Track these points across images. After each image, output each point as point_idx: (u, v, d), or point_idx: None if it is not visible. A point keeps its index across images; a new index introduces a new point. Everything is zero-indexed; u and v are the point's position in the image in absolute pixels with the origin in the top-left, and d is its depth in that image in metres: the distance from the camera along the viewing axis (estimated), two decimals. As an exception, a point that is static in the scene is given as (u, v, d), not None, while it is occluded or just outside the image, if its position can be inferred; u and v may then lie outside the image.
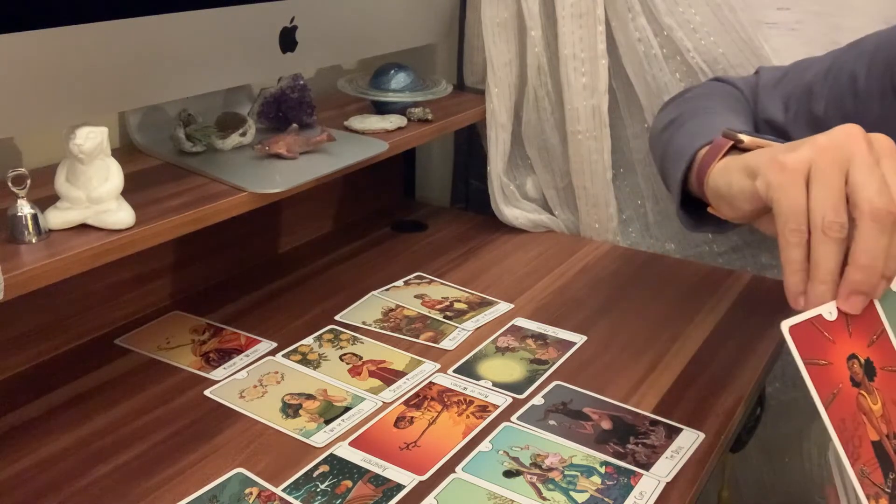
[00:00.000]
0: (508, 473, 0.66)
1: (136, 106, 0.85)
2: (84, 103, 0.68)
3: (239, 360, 0.81)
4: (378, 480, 0.65)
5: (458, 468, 0.66)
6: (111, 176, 0.68)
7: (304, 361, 0.81)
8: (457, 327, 0.88)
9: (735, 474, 1.16)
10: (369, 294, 0.95)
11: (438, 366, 0.81)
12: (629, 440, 0.70)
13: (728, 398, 0.76)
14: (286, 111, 0.93)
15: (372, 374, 0.79)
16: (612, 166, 1.07)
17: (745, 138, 0.66)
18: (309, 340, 0.85)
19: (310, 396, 0.76)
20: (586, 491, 0.64)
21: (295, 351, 0.83)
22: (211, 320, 0.89)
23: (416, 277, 1.00)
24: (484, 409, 0.74)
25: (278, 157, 0.85)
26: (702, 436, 0.71)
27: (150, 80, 0.74)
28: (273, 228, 1.05)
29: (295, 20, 0.86)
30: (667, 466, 0.67)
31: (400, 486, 0.64)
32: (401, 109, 1.03)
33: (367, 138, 0.96)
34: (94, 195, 0.67)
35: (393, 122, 0.99)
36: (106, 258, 0.67)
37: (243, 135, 0.87)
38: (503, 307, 0.93)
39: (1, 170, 0.69)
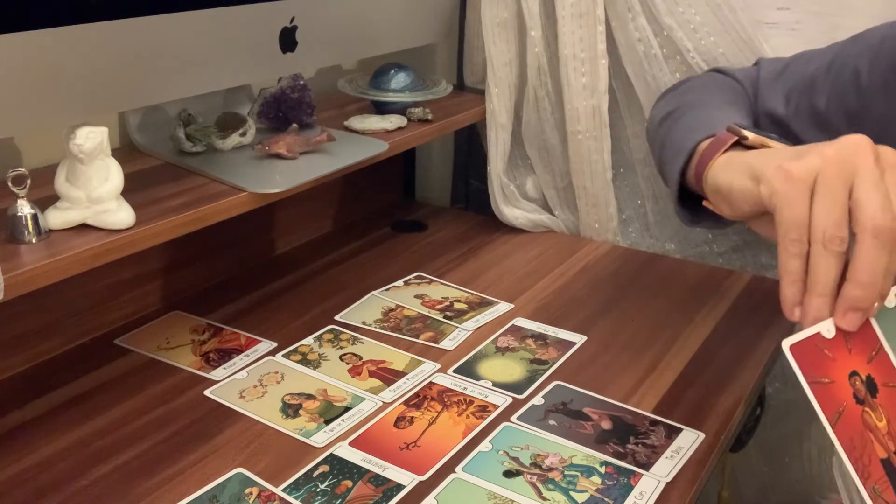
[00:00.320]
0: (508, 473, 0.66)
1: (136, 106, 0.84)
2: (84, 103, 0.68)
3: (239, 360, 0.81)
4: (378, 480, 0.65)
5: (458, 468, 0.66)
6: (111, 176, 0.68)
7: (304, 361, 0.81)
8: (457, 327, 0.88)
9: (735, 474, 1.16)
10: (369, 294, 0.95)
11: (438, 366, 0.81)
12: (629, 440, 0.70)
13: (728, 398, 0.76)
14: (286, 111, 0.93)
15: (372, 374, 0.79)
16: (612, 166, 1.07)
17: (750, 135, 0.65)
18: (309, 340, 0.85)
19: (310, 396, 0.76)
20: (586, 491, 0.64)
21: (295, 351, 0.83)
22: (211, 320, 0.89)
23: (416, 277, 1.00)
24: (484, 409, 0.74)
25: (278, 157, 0.85)
26: (702, 436, 0.71)
27: (150, 80, 0.74)
28: (273, 228, 1.05)
29: (295, 20, 0.86)
30: (667, 466, 0.67)
31: (400, 486, 0.64)
32: (401, 109, 1.03)
33: (366, 138, 0.96)
34: (94, 195, 0.67)
35: (393, 122, 0.99)
36: (106, 258, 0.67)
37: (243, 135, 0.87)
38: (503, 307, 0.93)
39: (1, 170, 0.69)
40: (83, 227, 0.68)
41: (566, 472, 0.66)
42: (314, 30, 0.88)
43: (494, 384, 0.78)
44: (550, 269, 1.03)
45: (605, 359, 0.83)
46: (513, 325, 0.89)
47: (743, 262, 1.09)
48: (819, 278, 0.53)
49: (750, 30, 0.99)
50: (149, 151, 0.86)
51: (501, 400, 0.76)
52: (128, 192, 0.70)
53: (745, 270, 1.03)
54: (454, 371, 0.80)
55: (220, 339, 0.85)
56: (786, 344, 0.53)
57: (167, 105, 0.88)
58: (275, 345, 0.84)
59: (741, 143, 0.66)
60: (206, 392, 0.76)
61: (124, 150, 0.87)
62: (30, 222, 0.65)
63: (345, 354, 0.83)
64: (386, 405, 0.75)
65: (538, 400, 0.75)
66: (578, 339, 0.86)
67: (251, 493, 0.63)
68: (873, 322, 0.55)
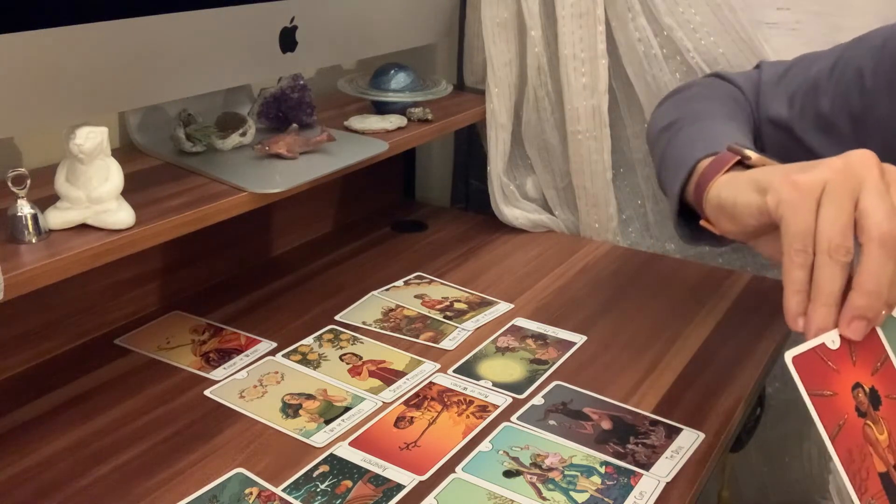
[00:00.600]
0: (508, 473, 0.66)
1: (136, 106, 0.84)
2: (84, 103, 0.68)
3: (239, 360, 0.81)
4: (378, 480, 0.65)
5: (458, 468, 0.66)
6: (111, 176, 0.68)
7: (304, 361, 0.81)
8: (457, 327, 0.88)
9: (735, 474, 1.16)
10: (369, 294, 0.95)
11: (438, 366, 0.81)
12: (629, 440, 0.70)
13: (728, 398, 0.76)
14: (286, 111, 0.93)
15: (372, 374, 0.79)
16: (612, 166, 1.07)
17: (753, 155, 0.65)
18: (309, 340, 0.85)
19: (310, 396, 0.76)
20: (586, 491, 0.64)
21: (295, 351, 0.83)
22: (211, 320, 0.89)
23: (416, 277, 1.00)
24: (484, 409, 0.74)
25: (278, 157, 0.85)
26: (702, 436, 0.71)
27: (150, 80, 0.74)
28: (273, 228, 1.05)
29: (295, 20, 0.86)
30: (667, 466, 0.67)
31: (400, 486, 0.64)
32: (401, 109, 1.03)
33: (367, 138, 0.96)
34: (94, 195, 0.67)
35: (393, 122, 0.99)
36: (106, 258, 0.67)
37: (243, 135, 0.87)
38: (503, 307, 0.93)
39: (1, 170, 0.69)
40: (83, 227, 0.68)
41: (566, 472, 0.66)
42: (314, 30, 0.88)
43: (494, 384, 0.78)
44: (550, 269, 1.03)
45: (605, 359, 0.83)
46: (513, 325, 0.89)
47: (743, 262, 1.09)
48: (824, 288, 0.53)
49: (750, 30, 0.99)
50: (149, 151, 0.86)
51: (501, 400, 0.76)
52: (128, 192, 0.70)
53: (745, 270, 1.03)
54: (454, 371, 0.80)
55: (220, 339, 0.85)
56: (788, 356, 0.52)
57: (167, 105, 0.88)
58: (275, 345, 0.84)
59: (743, 163, 0.66)
60: (206, 392, 0.76)
61: (124, 150, 0.87)
62: (30, 222, 0.65)
63: (345, 354, 0.83)
64: (386, 405, 0.75)
65: (538, 400, 0.75)
66: (578, 339, 0.86)
67: (251, 493, 0.63)
68: (879, 332, 0.54)
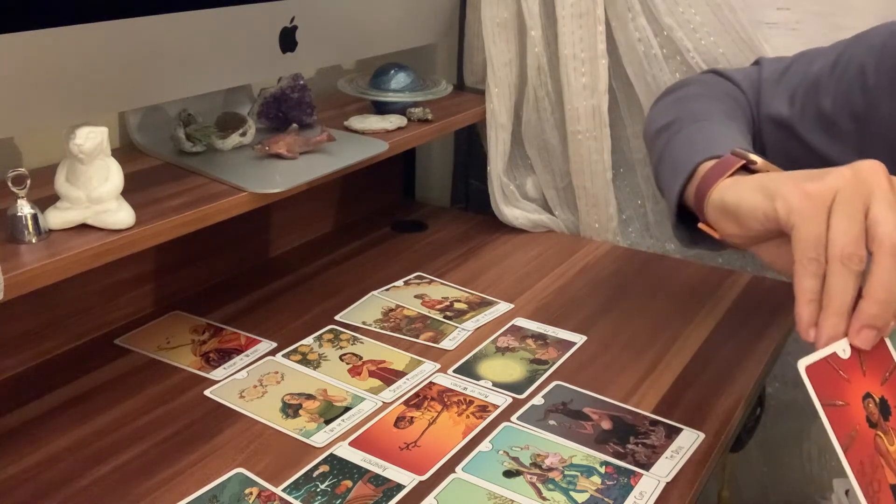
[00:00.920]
0: (508, 473, 0.66)
1: (136, 106, 0.84)
2: (84, 103, 0.68)
3: (239, 360, 0.81)
4: (378, 480, 0.65)
5: (458, 468, 0.66)
6: (111, 176, 0.68)
7: (304, 361, 0.81)
8: (457, 327, 0.88)
9: (735, 474, 1.16)
10: (369, 294, 0.95)
11: (438, 366, 0.81)
12: (629, 440, 0.70)
13: (728, 398, 0.76)
14: (286, 111, 0.93)
15: (372, 374, 0.79)
16: (612, 166, 1.07)
17: (758, 160, 0.65)
18: (309, 340, 0.85)
19: (310, 396, 0.76)
20: (586, 491, 0.64)
21: (295, 351, 0.83)
22: (211, 320, 0.89)
23: (416, 277, 1.00)
24: (484, 409, 0.74)
25: (278, 157, 0.85)
26: (702, 436, 0.71)
27: (150, 80, 0.74)
28: (273, 228, 1.05)
29: (295, 20, 0.86)
30: (667, 466, 0.67)
31: (400, 486, 0.64)
32: (401, 109, 1.03)
33: (366, 138, 0.96)
34: (94, 195, 0.67)
35: (393, 122, 0.99)
36: (106, 258, 0.67)
37: (243, 135, 0.87)
38: (503, 307, 0.93)
39: (1, 170, 0.69)
40: (83, 227, 0.68)
41: (566, 472, 0.66)
42: (314, 30, 0.88)
43: (494, 384, 0.78)
44: (550, 269, 1.03)
45: (605, 359, 0.83)
46: (513, 325, 0.89)
47: (743, 262, 1.09)
48: (836, 297, 0.52)
49: (750, 30, 0.99)
50: (149, 151, 0.86)
51: (501, 400, 0.76)
52: (128, 192, 0.70)
53: (745, 270, 1.03)
54: (454, 371, 0.80)
55: (220, 339, 0.85)
56: (801, 365, 0.52)
57: (167, 105, 0.88)
58: (275, 345, 0.84)
59: (747, 168, 0.65)
60: (206, 392, 0.76)
61: (124, 150, 0.87)
62: (30, 222, 0.65)
63: (345, 354, 0.83)
64: (386, 405, 0.75)
65: (538, 400, 0.75)
66: (578, 339, 0.86)
67: (251, 493, 0.63)
68: (888, 342, 0.54)
